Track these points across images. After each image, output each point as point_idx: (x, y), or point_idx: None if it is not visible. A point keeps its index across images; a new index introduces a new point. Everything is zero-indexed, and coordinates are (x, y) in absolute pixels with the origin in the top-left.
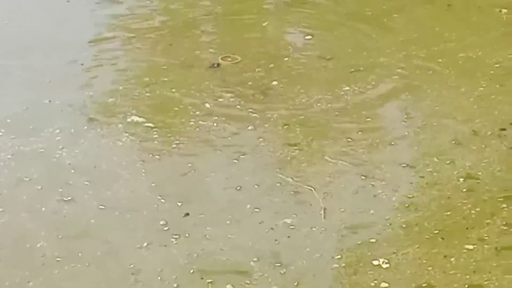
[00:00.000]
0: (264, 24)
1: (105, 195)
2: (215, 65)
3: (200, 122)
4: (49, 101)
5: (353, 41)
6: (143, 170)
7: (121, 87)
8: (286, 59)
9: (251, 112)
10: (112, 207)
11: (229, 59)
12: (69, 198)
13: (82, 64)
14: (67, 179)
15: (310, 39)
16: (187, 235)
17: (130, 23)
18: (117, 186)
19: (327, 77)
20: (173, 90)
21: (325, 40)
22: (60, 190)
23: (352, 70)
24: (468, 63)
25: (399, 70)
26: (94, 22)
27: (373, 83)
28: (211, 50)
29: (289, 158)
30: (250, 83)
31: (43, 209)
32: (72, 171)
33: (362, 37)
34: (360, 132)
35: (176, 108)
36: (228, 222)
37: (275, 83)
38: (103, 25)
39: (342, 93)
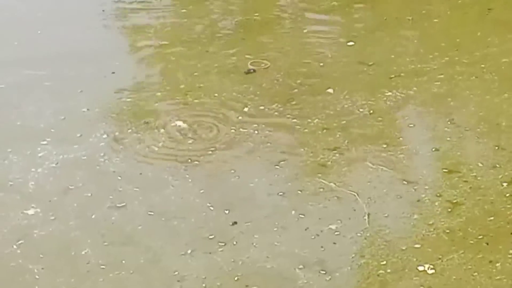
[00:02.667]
0: (305, 31)
1: (154, 201)
2: (251, 71)
3: (241, 129)
4: (87, 109)
5: (394, 47)
6: (187, 176)
7: (158, 93)
8: (321, 64)
9: (289, 117)
10: (161, 212)
11: (262, 65)
12: (123, 204)
13: (113, 73)
14: (116, 186)
15: (352, 45)
16: (234, 243)
17: (164, 31)
18: (167, 193)
19: (369, 82)
20: (213, 95)
21: (366, 45)
22: (111, 197)
23: (393, 75)
24: (511, 68)
25: (441, 76)
26: (127, 30)
27: (414, 88)
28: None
29: (330, 163)
30: (287, 89)
31: (93, 216)
32: (119, 178)
33: (403, 43)
34: (401, 138)
35: (215, 114)
36: (274, 229)
37: (309, 87)
38: (137, 33)
39: (384, 98)
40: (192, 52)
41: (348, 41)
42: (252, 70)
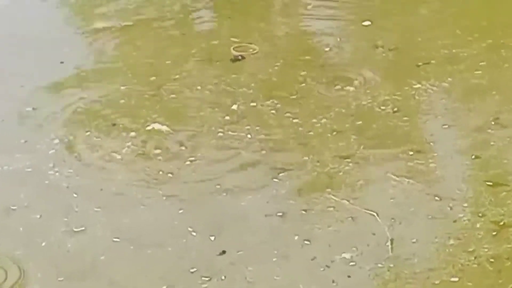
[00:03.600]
0: (309, 7)
1: (120, 224)
2: (239, 58)
3: (229, 132)
4: (32, 109)
5: (421, 27)
6: (160, 192)
7: (123, 87)
8: (327, 49)
9: (290, 116)
10: (129, 239)
11: (250, 50)
12: (81, 228)
13: (62, 63)
14: (71, 205)
15: (368, 25)
16: (222, 277)
17: (127, 9)
18: (137, 213)
19: (390, 72)
20: (195, 88)
21: (385, 26)
22: (66, 219)
23: (421, 63)
24: None
25: (482, 64)
26: (80, 8)
27: (449, 79)
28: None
29: (341, 174)
30: (284, 79)
31: (43, 243)
32: (75, 195)
33: (433, 22)
34: (432, 143)
35: (198, 112)
36: (274, 259)
37: (314, 79)
38: (93, 12)
39: (412, 91)
40: (163, 35)
41: (363, 21)
42: (240, 57)
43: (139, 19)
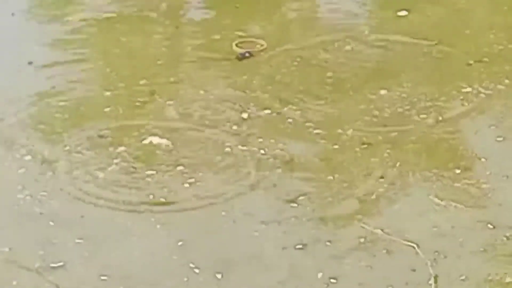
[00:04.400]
0: None
1: (108, 258)
2: (246, 55)
3: (239, 146)
4: None
5: (470, 17)
6: (153, 220)
7: (107, 93)
8: (348, 47)
9: (311, 126)
10: (119, 277)
11: (258, 46)
12: (59, 263)
13: (30, 63)
14: (47, 235)
15: (405, 15)
16: None
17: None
18: (128, 246)
19: (434, 71)
20: (197, 94)
21: (426, 15)
22: (41, 252)
23: (472, 61)
24: None
25: None
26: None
27: (506, 81)
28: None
29: (374, 198)
30: (302, 81)
31: (14, 282)
32: (51, 223)
33: (484, 11)
34: (483, 159)
35: (202, 122)
36: None
37: (337, 81)
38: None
39: (460, 96)
40: (153, 29)
41: (399, 10)
42: (247, 54)
43: (123, 9)
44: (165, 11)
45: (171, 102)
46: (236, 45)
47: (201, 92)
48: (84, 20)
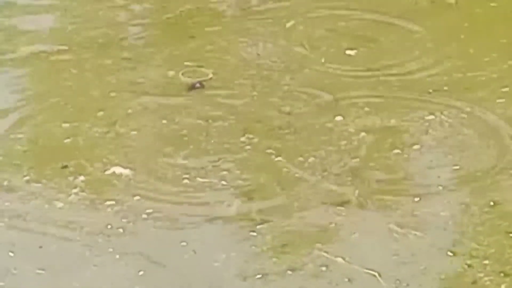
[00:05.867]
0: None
1: None
2: (197, 86)
3: (197, 178)
4: None
5: (423, 48)
6: (111, 250)
7: (66, 124)
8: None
9: (271, 153)
10: None
11: (204, 76)
12: None
13: None
14: (7, 266)
15: (353, 55)
16: None
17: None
18: (88, 276)
19: (393, 99)
20: (154, 124)
21: (378, 48)
22: (1, 283)
23: (431, 90)
24: None
25: (505, 90)
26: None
27: (467, 109)
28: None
29: (333, 225)
30: (257, 109)
31: None
32: (11, 254)
33: (439, 41)
34: (441, 187)
35: (161, 151)
36: None
37: (295, 109)
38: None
39: (426, 123)
40: (103, 61)
41: (346, 49)
42: (198, 85)
43: (74, 42)
44: (114, 46)
45: (134, 132)
46: (183, 74)
47: (164, 121)
48: (35, 53)
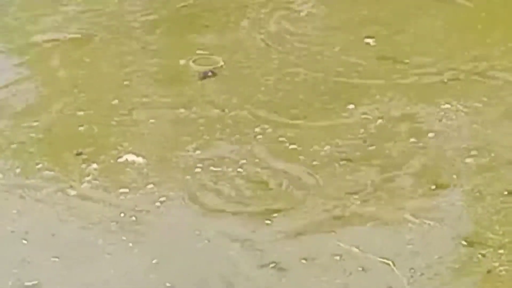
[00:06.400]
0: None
1: (82, 277)
2: (209, 74)
3: (211, 167)
4: None
5: (432, 34)
6: (124, 238)
7: (80, 112)
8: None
9: (284, 141)
10: None
11: (216, 64)
12: (34, 282)
13: None
14: (21, 254)
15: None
16: None
17: (72, 19)
18: (102, 265)
19: (408, 88)
20: (175, 113)
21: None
22: (15, 271)
23: (447, 80)
24: None
25: None
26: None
27: (484, 99)
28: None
29: (348, 214)
30: (278, 99)
31: None
32: (24, 241)
33: (455, 28)
34: (458, 176)
35: (176, 141)
36: None
37: (310, 96)
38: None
39: (441, 112)
40: (117, 49)
41: (366, 37)
42: (210, 73)
43: (87, 30)
44: (126, 35)
45: (152, 121)
46: (194, 62)
47: (182, 110)
48: (48, 41)
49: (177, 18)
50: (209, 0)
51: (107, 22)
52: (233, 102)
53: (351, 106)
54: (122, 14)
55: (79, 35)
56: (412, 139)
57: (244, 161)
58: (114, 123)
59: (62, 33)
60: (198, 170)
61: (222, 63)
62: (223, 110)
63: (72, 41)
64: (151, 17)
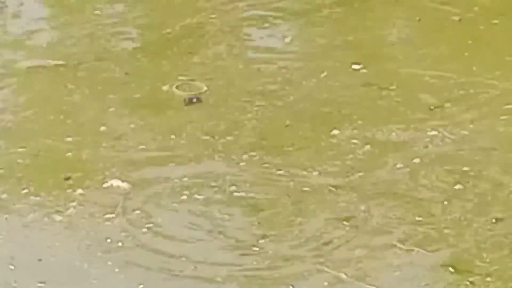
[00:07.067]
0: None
1: None
2: (194, 101)
3: (196, 195)
4: None
5: (424, 59)
6: (110, 264)
7: (69, 138)
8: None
9: (272, 168)
10: None
11: (198, 90)
12: None
13: None
14: (7, 279)
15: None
16: None
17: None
18: None
19: (394, 115)
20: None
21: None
22: None
23: (433, 107)
24: None
25: (508, 107)
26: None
27: (470, 126)
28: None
29: (336, 240)
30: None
31: None
32: (11, 267)
33: (441, 57)
34: (445, 203)
35: (165, 166)
36: None
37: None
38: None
39: (427, 139)
40: (101, 76)
41: (352, 64)
42: (194, 99)
43: (71, 57)
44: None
45: (143, 147)
46: (177, 87)
47: (172, 136)
48: (33, 67)
49: (160, 44)
50: (195, 26)
51: (91, 48)
52: (221, 129)
53: (336, 132)
54: (108, 40)
55: (62, 62)
56: (399, 165)
57: (234, 187)
58: (103, 149)
59: (46, 60)
60: (184, 197)
61: (205, 88)
62: (213, 137)
63: (56, 68)
64: (135, 44)
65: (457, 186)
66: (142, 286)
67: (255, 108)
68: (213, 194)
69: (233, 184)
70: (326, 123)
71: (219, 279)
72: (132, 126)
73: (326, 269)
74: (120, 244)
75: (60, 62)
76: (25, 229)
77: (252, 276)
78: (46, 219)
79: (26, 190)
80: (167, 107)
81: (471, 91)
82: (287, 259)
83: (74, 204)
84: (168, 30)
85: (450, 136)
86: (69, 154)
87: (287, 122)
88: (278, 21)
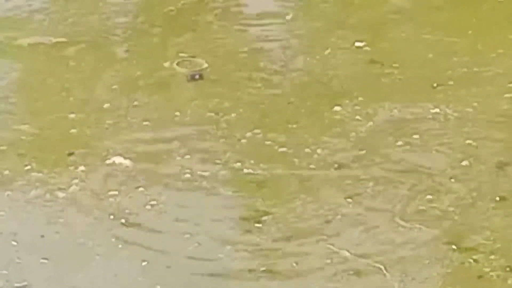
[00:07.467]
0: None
1: (72, 279)
2: (196, 78)
3: (199, 171)
4: None
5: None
6: (113, 240)
7: (72, 115)
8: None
9: (273, 144)
10: None
11: (199, 67)
12: (23, 283)
13: None
14: (10, 255)
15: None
16: None
17: (58, 23)
18: (92, 267)
19: (398, 92)
20: (168, 114)
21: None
22: (5, 272)
23: (435, 84)
24: None
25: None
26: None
27: (474, 104)
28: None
29: (339, 218)
30: (268, 102)
31: None
32: (14, 243)
33: (446, 36)
34: (450, 180)
35: (169, 144)
36: None
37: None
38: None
39: (430, 116)
40: (103, 54)
41: (356, 41)
42: (197, 76)
43: (73, 34)
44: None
45: (147, 123)
46: (177, 64)
47: (177, 113)
48: (33, 44)
49: (162, 21)
50: (197, 4)
51: (94, 26)
52: (225, 106)
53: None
54: (110, 17)
55: (64, 39)
56: (400, 143)
57: (238, 164)
58: (107, 126)
59: (47, 37)
60: (187, 175)
61: (206, 65)
62: (217, 114)
63: (58, 45)
64: (137, 20)
65: (463, 163)
66: (145, 263)
67: (258, 85)
68: (217, 171)
69: (237, 161)
70: (329, 100)
71: (222, 256)
72: (136, 103)
73: (329, 246)
74: (123, 220)
75: (62, 39)
76: (28, 206)
77: (255, 253)
78: (48, 195)
79: (28, 167)
80: (170, 84)
81: (475, 69)
82: (290, 236)
83: (76, 181)
84: (171, 8)
85: (453, 113)
86: (73, 130)
87: (290, 99)
88: None
